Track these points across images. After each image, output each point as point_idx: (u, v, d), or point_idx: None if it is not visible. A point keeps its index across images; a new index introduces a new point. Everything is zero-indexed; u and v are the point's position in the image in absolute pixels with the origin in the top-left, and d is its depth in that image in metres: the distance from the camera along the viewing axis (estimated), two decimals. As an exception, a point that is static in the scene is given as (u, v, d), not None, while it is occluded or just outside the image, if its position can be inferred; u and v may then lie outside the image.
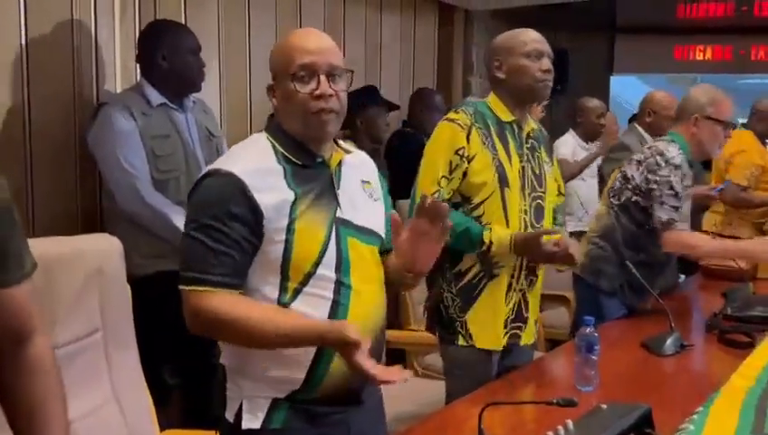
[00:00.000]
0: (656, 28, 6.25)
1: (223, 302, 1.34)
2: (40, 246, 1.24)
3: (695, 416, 1.28)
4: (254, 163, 1.38)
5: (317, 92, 1.38)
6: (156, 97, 2.30)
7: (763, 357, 1.65)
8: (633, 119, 5.21)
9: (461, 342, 2.00)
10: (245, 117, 3.13)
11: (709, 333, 2.30)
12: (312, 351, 1.38)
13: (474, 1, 4.28)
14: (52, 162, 2.36)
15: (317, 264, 1.38)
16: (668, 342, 2.10)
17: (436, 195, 1.89)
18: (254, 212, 1.34)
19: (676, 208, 2.34)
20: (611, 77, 6.32)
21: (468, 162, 1.94)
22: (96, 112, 2.27)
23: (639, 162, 2.43)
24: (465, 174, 1.95)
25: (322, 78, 1.39)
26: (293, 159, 1.41)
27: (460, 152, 1.94)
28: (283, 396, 1.39)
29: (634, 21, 6.25)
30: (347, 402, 1.44)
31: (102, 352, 1.67)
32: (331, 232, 1.41)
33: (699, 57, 6.27)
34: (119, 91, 2.52)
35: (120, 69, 2.54)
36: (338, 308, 1.40)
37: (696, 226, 3.52)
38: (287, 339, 1.35)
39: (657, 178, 2.35)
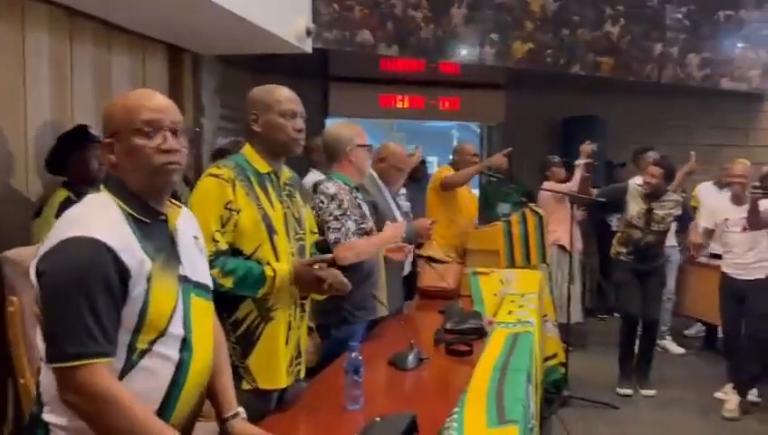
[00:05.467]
0: (362, 78, 6.97)
1: (111, 378, 1.31)
2: None
3: (454, 416, 1.56)
4: (110, 225, 1.36)
5: (164, 147, 1.41)
6: None
7: (490, 360, 2.05)
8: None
9: (245, 386, 2.01)
10: (23, 161, 2.91)
11: (437, 346, 2.70)
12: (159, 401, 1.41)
13: (201, 45, 4.33)
14: None
15: (168, 322, 1.41)
16: (410, 357, 2.42)
17: (213, 249, 1.91)
18: (123, 274, 1.33)
19: (339, 229, 2.67)
20: (327, 120, 6.84)
21: (237, 214, 1.98)
22: None
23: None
24: (235, 226, 1.98)
25: (168, 134, 1.43)
26: (139, 217, 1.42)
27: (229, 206, 1.97)
28: None
29: (344, 71, 6.90)
30: None
31: None
32: (179, 290, 1.45)
33: (400, 105, 7.15)
34: None
35: None
36: (181, 368, 1.43)
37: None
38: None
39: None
